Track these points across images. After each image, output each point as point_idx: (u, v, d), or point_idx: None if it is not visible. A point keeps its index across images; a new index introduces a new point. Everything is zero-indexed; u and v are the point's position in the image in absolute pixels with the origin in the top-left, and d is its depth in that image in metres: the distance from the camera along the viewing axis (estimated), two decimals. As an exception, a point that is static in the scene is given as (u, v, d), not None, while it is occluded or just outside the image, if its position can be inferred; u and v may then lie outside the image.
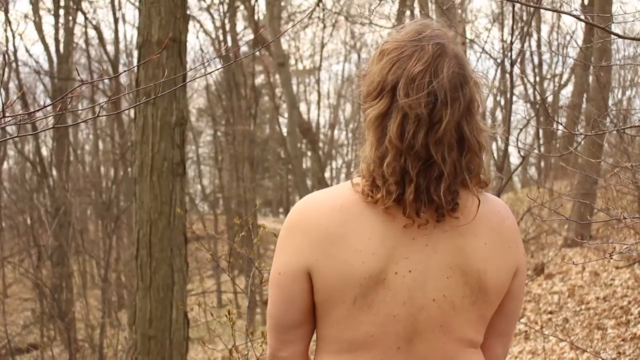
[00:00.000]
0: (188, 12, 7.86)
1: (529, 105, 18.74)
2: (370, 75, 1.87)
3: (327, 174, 31.62)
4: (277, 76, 25.03)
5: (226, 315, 3.87)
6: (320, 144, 31.22)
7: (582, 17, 3.07)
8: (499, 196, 6.72)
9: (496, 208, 1.95)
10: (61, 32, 22.24)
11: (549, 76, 20.37)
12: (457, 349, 1.93)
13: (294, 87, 27.87)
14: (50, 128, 2.53)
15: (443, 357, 1.92)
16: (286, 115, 24.40)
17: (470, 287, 1.88)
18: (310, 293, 1.91)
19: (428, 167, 1.79)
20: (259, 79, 29.43)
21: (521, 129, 6.96)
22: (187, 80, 7.48)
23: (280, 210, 39.87)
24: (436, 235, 1.85)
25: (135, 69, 7.64)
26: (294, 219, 1.92)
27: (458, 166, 1.81)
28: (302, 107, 32.63)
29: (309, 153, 30.22)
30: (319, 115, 33.28)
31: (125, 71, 3.20)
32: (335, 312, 1.88)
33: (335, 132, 36.69)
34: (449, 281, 1.86)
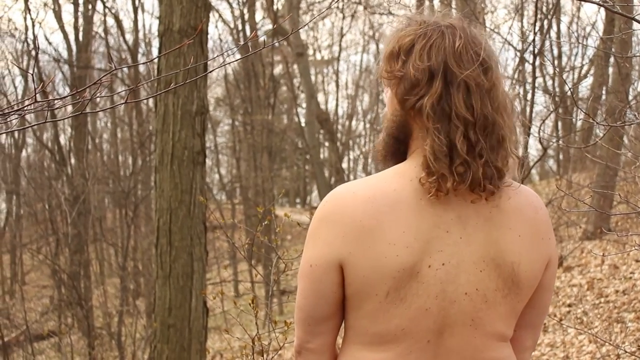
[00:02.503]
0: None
1: (548, 96, 18.64)
2: (408, 71, 1.86)
3: (344, 164, 31.62)
4: (295, 66, 25.00)
5: (250, 304, 3.87)
6: (338, 135, 31.18)
7: (606, 4, 3.04)
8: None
9: (529, 199, 1.95)
10: (80, 20, 22.31)
11: (567, 68, 20.25)
12: (487, 342, 1.92)
13: (312, 78, 27.88)
14: (70, 116, 2.53)
15: (473, 351, 1.91)
16: (304, 105, 24.40)
17: (504, 280, 1.87)
18: (341, 286, 1.89)
19: (488, 135, 1.82)
20: (278, 69, 29.41)
21: (543, 120, 6.94)
22: (209, 71, 7.49)
23: (298, 200, 39.88)
24: (470, 228, 1.85)
25: (156, 58, 7.65)
26: (326, 210, 1.89)
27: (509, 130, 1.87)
28: (320, 97, 32.62)
29: (327, 143, 30.20)
30: (337, 105, 33.27)
31: (150, 60, 3.19)
32: (366, 305, 1.87)
33: (353, 122, 36.63)
34: (482, 274, 1.86)
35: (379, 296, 1.84)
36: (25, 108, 2.29)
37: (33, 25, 21.57)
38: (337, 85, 34.73)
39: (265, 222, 4.31)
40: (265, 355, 4.35)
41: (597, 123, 4.07)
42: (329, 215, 1.88)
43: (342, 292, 1.91)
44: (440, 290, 1.84)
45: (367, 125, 35.52)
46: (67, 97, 2.36)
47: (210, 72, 3.15)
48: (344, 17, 28.95)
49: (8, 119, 2.25)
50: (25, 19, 30.90)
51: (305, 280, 1.93)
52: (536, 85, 7.26)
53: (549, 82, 20.01)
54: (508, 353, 1.99)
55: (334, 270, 1.87)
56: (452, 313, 1.86)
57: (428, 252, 1.82)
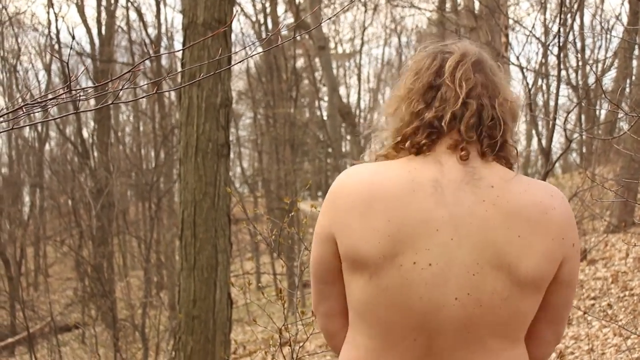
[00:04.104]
0: (232, -7, 7.85)
1: (571, 90, 18.54)
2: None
3: (366, 158, 31.49)
4: (317, 59, 24.98)
5: (277, 295, 3.88)
6: (360, 128, 31.18)
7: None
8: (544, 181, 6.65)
9: (538, 198, 1.90)
10: (103, 14, 22.45)
11: (591, 61, 20.14)
12: (484, 347, 1.90)
13: (334, 71, 27.84)
14: (96, 108, 2.55)
15: (466, 354, 1.90)
16: (326, 98, 24.41)
17: (502, 283, 1.84)
18: (337, 256, 1.98)
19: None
20: (300, 62, 29.42)
21: (568, 112, 6.90)
22: (233, 63, 7.50)
23: (319, 193, 39.87)
24: (463, 230, 1.84)
25: (181, 50, 7.66)
26: (331, 188, 2.00)
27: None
28: (342, 90, 32.63)
29: (349, 136, 30.20)
30: (359, 98, 33.27)
31: (175, 51, 3.22)
32: (354, 284, 1.93)
33: (375, 115, 36.58)
34: (476, 278, 1.83)
35: (364, 277, 1.88)
36: (53, 99, 2.31)
37: (56, 20, 21.73)
38: (359, 79, 34.74)
39: (292, 214, 4.32)
40: (290, 346, 4.37)
41: (626, 114, 4.05)
42: (331, 192, 1.99)
43: (339, 262, 1.98)
44: (424, 292, 1.83)
45: (389, 119, 35.40)
46: (92, 88, 2.38)
47: (235, 64, 3.16)
48: (365, 10, 28.93)
49: (32, 112, 2.28)
50: (48, 13, 31.07)
51: (314, 243, 2.06)
52: (560, 78, 7.22)
53: (572, 76, 19.90)
54: (512, 356, 1.95)
55: (330, 241, 1.97)
56: (441, 318, 1.85)
57: (413, 247, 1.83)
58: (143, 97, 4.02)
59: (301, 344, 4.45)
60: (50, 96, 2.32)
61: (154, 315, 12.08)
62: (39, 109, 2.31)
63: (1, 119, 2.19)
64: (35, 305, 21.26)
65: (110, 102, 2.41)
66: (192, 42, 7.33)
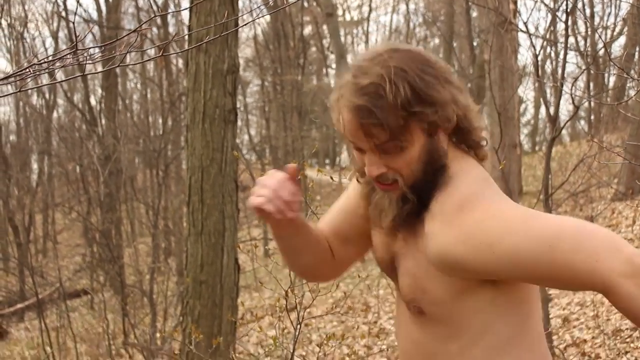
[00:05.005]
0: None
1: (579, 57, 18.47)
2: None
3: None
4: (325, 27, 24.88)
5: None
6: (367, 95, 31.07)
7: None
8: (550, 148, 6.65)
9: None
10: (110, -19, 22.36)
11: (600, 29, 20.04)
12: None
13: (342, 38, 27.70)
14: (103, 71, 2.57)
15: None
16: (334, 66, 24.31)
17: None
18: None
19: None
20: (307, 30, 29.32)
21: (575, 79, 6.88)
22: (240, 25, 7.48)
23: (327, 161, 39.91)
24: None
25: (188, 16, 7.64)
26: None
27: None
28: (350, 58, 32.44)
29: (356, 104, 30.06)
30: (366, 66, 32.99)
31: (182, 10, 3.21)
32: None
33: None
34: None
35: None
36: (60, 59, 2.32)
37: (63, -14, 21.66)
38: (367, 46, 34.55)
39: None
40: (297, 310, 4.40)
41: (633, 79, 4.04)
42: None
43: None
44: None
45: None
46: (98, 49, 2.39)
47: (241, 26, 3.16)
48: (373, -23, 28.76)
49: (40, 73, 2.29)
50: (55, -21, 30.92)
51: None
52: (568, 44, 7.19)
53: (581, 43, 19.80)
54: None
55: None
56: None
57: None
58: (150, 60, 4.04)
59: (307, 309, 4.48)
60: (57, 59, 2.33)
61: (161, 281, 12.15)
62: (45, 71, 2.32)
63: (10, 80, 2.20)
64: (44, 271, 21.41)
65: (117, 64, 2.43)
66: (199, 7, 7.31)
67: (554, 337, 7.25)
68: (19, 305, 18.26)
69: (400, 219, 1.89)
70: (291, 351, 4.30)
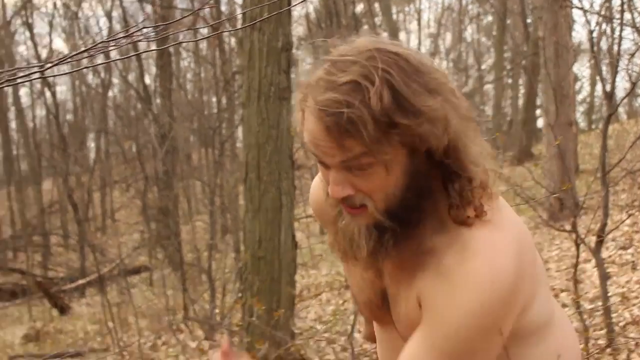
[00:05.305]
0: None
1: (636, 34, 18.13)
2: None
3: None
4: (377, 5, 24.80)
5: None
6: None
7: None
8: (607, 126, 6.57)
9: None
10: (164, -40, 22.47)
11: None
12: None
13: (394, 16, 27.62)
14: (155, 49, 2.61)
15: None
16: (386, 42, 24.18)
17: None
18: None
19: None
20: (359, 8, 29.23)
21: (632, 55, 6.80)
22: (293, 4, 7.51)
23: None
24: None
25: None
26: None
27: None
28: (402, 36, 32.34)
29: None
30: (419, 44, 32.92)
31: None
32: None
33: (436, 60, 36.24)
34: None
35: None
36: (118, 39, 2.37)
37: (117, -34, 21.86)
38: (419, 24, 34.38)
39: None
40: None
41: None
42: None
43: None
44: None
45: (450, 64, 35.16)
46: (152, 28, 2.42)
47: (295, 5, 3.20)
48: (426, -48, 28.52)
49: (98, 52, 2.33)
50: (109, -41, 31.20)
51: None
52: (624, 21, 7.10)
53: (638, 19, 19.42)
54: None
55: None
56: None
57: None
58: (204, 39, 4.07)
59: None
60: (112, 41, 2.38)
61: (219, 258, 12.28)
62: (101, 52, 2.37)
63: (68, 60, 2.26)
64: (104, 248, 21.79)
65: (170, 44, 2.47)
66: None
67: (613, 315, 7.20)
68: (81, 281, 18.64)
69: (383, 251, 1.56)
70: (351, 325, 4.35)
